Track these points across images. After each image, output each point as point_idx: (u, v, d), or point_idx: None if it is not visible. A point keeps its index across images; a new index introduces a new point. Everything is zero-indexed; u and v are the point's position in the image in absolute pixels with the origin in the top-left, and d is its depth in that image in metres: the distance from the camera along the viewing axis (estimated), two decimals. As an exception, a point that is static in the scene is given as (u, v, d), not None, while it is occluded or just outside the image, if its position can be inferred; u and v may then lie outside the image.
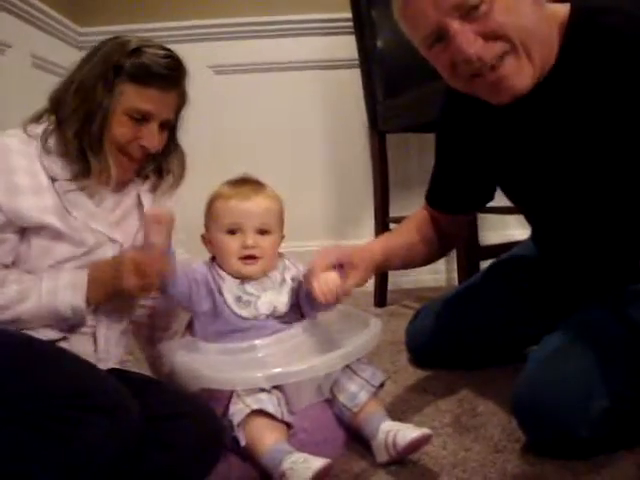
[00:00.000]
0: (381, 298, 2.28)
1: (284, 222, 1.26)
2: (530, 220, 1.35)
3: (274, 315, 1.17)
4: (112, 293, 1.09)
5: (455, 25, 0.97)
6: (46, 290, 1.03)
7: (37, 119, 1.12)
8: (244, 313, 1.15)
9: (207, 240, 1.23)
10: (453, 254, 2.32)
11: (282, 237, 1.26)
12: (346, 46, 2.32)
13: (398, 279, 2.47)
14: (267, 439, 1.01)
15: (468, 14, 0.96)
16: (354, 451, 1.12)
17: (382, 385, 1.17)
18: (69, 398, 0.86)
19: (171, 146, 1.23)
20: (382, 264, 1.27)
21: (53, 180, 1.07)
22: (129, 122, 1.09)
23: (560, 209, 1.18)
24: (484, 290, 1.48)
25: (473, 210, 1.47)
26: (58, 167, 1.08)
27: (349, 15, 2.21)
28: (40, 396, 0.87)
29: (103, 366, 1.09)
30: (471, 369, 1.46)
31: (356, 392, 1.12)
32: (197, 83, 2.53)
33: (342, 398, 1.12)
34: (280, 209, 1.24)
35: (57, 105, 1.11)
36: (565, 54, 1.02)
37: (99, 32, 2.35)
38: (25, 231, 1.06)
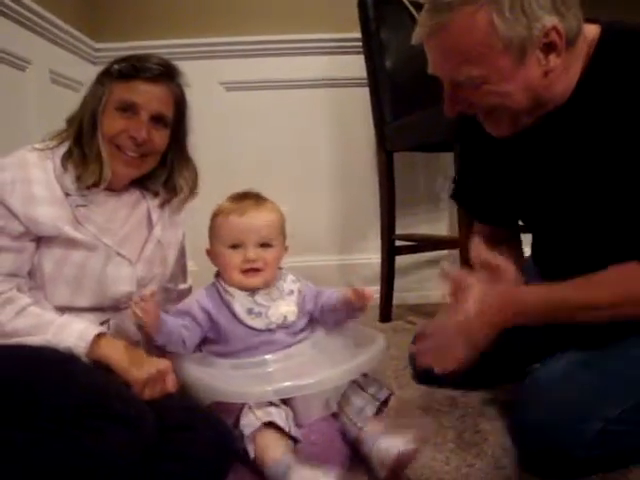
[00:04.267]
0: (386, 313, 2.30)
1: (286, 234, 1.29)
2: (534, 237, 1.38)
3: (284, 324, 1.21)
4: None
5: (447, 89, 1.07)
6: (54, 332, 1.07)
7: (55, 137, 1.18)
8: (256, 324, 1.19)
9: (211, 254, 1.27)
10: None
11: (285, 248, 1.29)
12: (355, 65, 2.37)
13: (403, 294, 2.50)
14: (274, 451, 1.04)
15: (458, 84, 1.04)
16: (358, 466, 1.14)
17: (387, 401, 1.20)
18: (90, 407, 0.90)
19: (181, 160, 1.28)
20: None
21: (67, 195, 1.12)
22: (118, 116, 1.15)
23: (562, 229, 1.22)
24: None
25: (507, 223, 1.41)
26: (70, 182, 1.13)
27: (358, 35, 2.25)
28: (62, 405, 0.90)
29: None
30: (473, 387, 1.48)
31: (362, 406, 1.15)
32: (208, 99, 2.60)
33: (349, 412, 1.15)
34: (281, 221, 1.27)
35: (70, 125, 1.18)
36: (588, 78, 1.06)
37: (114, 48, 2.41)
38: (40, 241, 1.11)
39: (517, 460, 1.13)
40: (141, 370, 1.05)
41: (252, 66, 2.50)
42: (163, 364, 1.09)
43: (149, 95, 1.16)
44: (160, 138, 1.20)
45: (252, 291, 1.22)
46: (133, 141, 1.15)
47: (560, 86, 1.05)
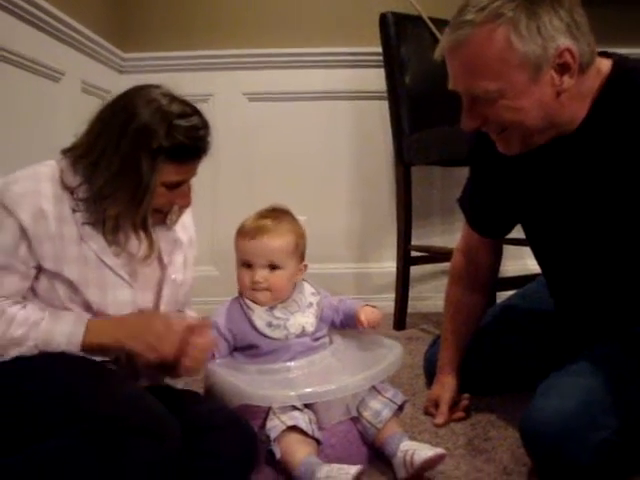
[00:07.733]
0: (400, 321, 2.35)
1: (302, 251, 1.34)
2: (546, 270, 1.41)
3: (303, 334, 1.28)
4: (115, 350, 1.09)
5: (465, 104, 1.12)
6: (42, 339, 1.04)
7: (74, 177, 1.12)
8: (276, 335, 1.27)
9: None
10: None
11: (304, 267, 1.35)
12: (375, 78, 2.43)
13: (417, 303, 2.54)
14: (299, 453, 1.11)
15: (476, 99, 1.10)
16: (376, 468, 1.21)
17: (403, 406, 1.27)
18: (114, 421, 0.91)
19: None
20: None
21: (73, 211, 1.09)
22: (165, 191, 1.12)
23: (575, 255, 1.26)
24: (500, 324, 1.56)
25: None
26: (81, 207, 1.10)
27: (379, 50, 2.31)
28: (87, 419, 0.92)
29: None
30: (485, 395, 1.54)
31: (380, 410, 1.22)
32: (232, 109, 2.66)
33: (367, 415, 1.22)
34: (294, 243, 1.30)
35: (91, 169, 1.09)
36: (597, 110, 1.11)
37: (141, 58, 2.50)
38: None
39: (526, 466, 1.19)
40: (138, 339, 1.06)
41: (275, 78, 2.57)
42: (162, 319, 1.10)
43: (194, 170, 1.15)
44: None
45: (270, 306, 1.29)
46: (178, 209, 1.18)
47: (571, 110, 1.10)
